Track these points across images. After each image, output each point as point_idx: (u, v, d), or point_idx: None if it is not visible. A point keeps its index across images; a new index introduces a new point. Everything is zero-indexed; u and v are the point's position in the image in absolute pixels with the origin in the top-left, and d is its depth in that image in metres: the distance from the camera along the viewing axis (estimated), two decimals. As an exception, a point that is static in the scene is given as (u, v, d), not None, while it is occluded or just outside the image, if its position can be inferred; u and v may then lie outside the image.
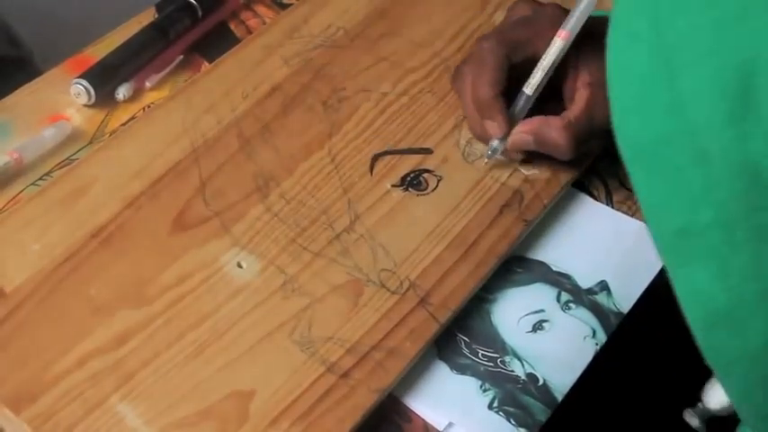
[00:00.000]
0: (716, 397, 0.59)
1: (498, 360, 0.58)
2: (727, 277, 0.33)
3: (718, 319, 0.35)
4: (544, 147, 0.63)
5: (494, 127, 0.63)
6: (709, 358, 0.36)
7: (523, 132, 0.63)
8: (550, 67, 0.62)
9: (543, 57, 0.62)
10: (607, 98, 0.63)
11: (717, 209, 0.32)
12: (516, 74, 0.63)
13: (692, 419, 0.60)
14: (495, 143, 0.64)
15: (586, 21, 0.62)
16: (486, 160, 0.64)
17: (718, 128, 0.31)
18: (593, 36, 0.62)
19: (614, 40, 0.35)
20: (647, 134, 0.34)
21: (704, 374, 0.61)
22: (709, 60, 0.31)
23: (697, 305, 0.35)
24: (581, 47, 0.62)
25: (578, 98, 0.63)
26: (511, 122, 0.63)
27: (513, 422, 0.55)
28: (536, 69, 0.63)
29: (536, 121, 0.63)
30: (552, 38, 0.62)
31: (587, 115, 0.62)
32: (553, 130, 0.62)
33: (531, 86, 0.63)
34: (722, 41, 0.30)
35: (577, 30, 0.62)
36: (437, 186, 0.63)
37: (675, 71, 0.32)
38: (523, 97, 0.63)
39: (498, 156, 0.64)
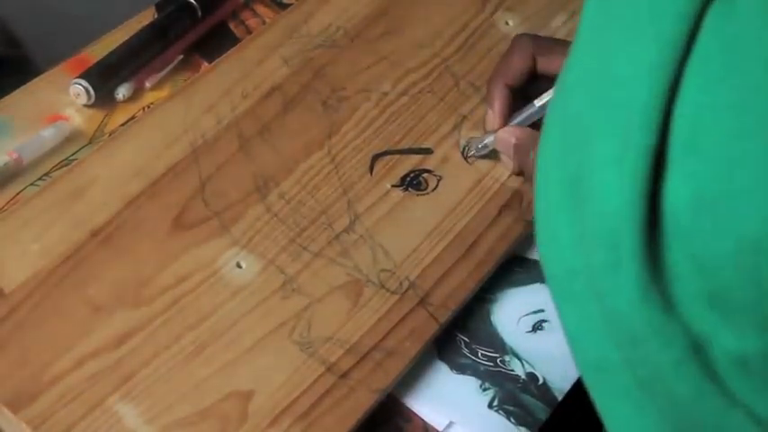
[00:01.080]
0: None
1: (498, 360, 0.58)
2: (643, 417, 0.32)
3: None
4: (520, 156, 0.62)
5: (489, 116, 0.63)
6: None
7: (510, 133, 0.62)
8: None
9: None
10: None
11: (618, 350, 0.31)
12: (544, 87, 0.63)
13: None
14: (486, 139, 0.63)
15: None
16: (472, 151, 0.64)
17: (601, 274, 0.30)
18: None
19: (538, 163, 0.34)
20: (559, 264, 0.33)
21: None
22: (593, 201, 0.30)
23: None
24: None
25: None
26: (509, 121, 0.63)
27: (513, 421, 0.55)
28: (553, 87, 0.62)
29: (527, 129, 0.62)
30: None
31: None
32: (534, 143, 0.61)
33: (540, 99, 0.62)
34: (599, 183, 0.30)
35: None
36: (437, 186, 0.63)
37: (576, 204, 0.31)
38: (531, 109, 0.62)
39: (485, 152, 0.64)
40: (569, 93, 0.32)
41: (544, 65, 0.63)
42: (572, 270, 0.32)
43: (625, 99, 0.29)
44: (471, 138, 0.66)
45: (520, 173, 0.64)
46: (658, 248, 0.28)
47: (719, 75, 0.27)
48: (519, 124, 0.63)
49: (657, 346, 0.29)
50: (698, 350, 0.28)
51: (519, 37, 0.64)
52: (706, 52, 0.27)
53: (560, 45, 0.64)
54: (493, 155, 0.65)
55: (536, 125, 0.62)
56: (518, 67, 0.63)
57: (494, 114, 0.63)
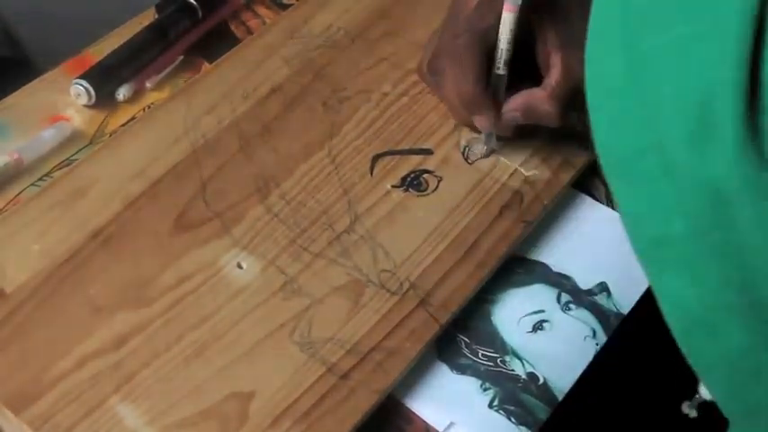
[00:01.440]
0: None
1: (498, 360, 0.58)
2: (700, 285, 0.34)
3: (694, 325, 0.35)
4: (533, 118, 0.63)
5: (483, 121, 0.63)
6: (690, 361, 0.37)
7: (511, 110, 0.63)
8: (510, 42, 0.61)
9: (499, 34, 0.61)
10: (581, 55, 0.63)
11: (686, 221, 0.33)
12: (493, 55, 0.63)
13: (690, 411, 0.61)
14: (491, 141, 0.64)
15: None
16: (484, 151, 0.65)
17: (681, 147, 0.32)
18: None
19: (591, 51, 0.35)
20: (622, 146, 0.34)
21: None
22: (674, 80, 0.31)
23: (674, 311, 0.36)
24: (540, 12, 0.62)
25: (553, 63, 0.62)
26: (497, 109, 0.63)
27: (513, 420, 0.55)
28: (497, 49, 0.62)
29: (521, 97, 0.62)
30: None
31: (566, 77, 0.62)
32: (539, 102, 0.62)
33: (499, 66, 0.62)
34: (685, 62, 0.31)
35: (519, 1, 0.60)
36: (437, 187, 0.63)
37: (646, 87, 0.32)
38: (498, 78, 0.63)
39: (495, 146, 0.65)
40: None
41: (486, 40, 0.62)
42: (638, 150, 0.33)
43: None
44: (472, 138, 0.66)
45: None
46: (756, 114, 0.30)
47: None
48: (499, 96, 0.63)
49: (747, 203, 0.30)
50: None
51: (458, 41, 0.62)
52: None
53: (475, 15, 0.63)
54: (490, 155, 0.65)
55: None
56: (481, 71, 0.62)
57: (488, 118, 0.63)
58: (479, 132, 0.65)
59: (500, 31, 0.61)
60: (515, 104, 0.63)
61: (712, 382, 0.39)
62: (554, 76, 0.62)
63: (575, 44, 0.62)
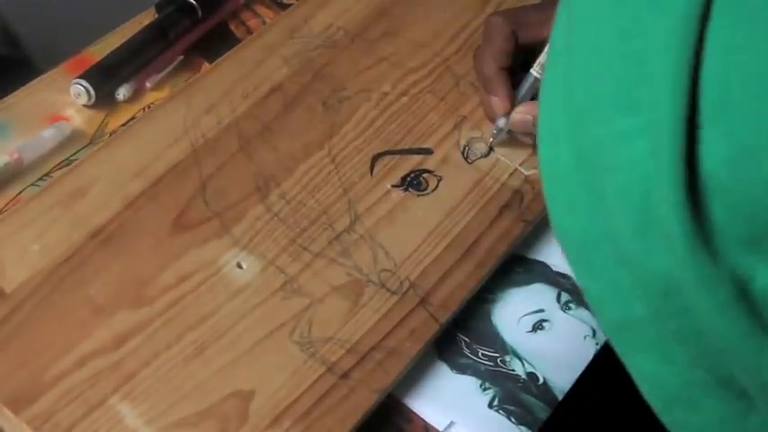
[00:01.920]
0: None
1: (498, 359, 0.58)
2: (670, 364, 0.33)
3: (673, 401, 0.35)
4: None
5: (496, 102, 0.63)
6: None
7: (525, 112, 0.63)
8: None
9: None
10: None
11: (645, 307, 0.32)
12: (527, 57, 0.63)
13: None
14: (500, 122, 0.64)
15: None
16: (491, 140, 0.65)
17: (630, 238, 0.31)
18: None
19: (542, 133, 0.35)
20: (577, 234, 0.34)
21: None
22: (616, 172, 0.30)
23: (651, 389, 0.36)
24: None
25: None
26: (515, 101, 0.63)
27: (513, 420, 0.55)
28: (543, 51, 0.62)
29: (536, 102, 0.63)
30: None
31: None
32: None
33: (536, 68, 0.63)
34: (625, 154, 0.30)
35: None
36: (437, 187, 0.63)
37: (592, 177, 0.32)
38: (530, 79, 0.63)
39: (503, 137, 0.64)
40: (574, 67, 0.33)
41: (525, 36, 0.63)
42: (591, 238, 0.33)
43: (648, 73, 0.29)
44: (472, 138, 0.66)
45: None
46: (698, 204, 0.29)
47: (743, 33, 0.28)
48: (523, 99, 0.63)
49: (701, 294, 0.30)
50: (741, 291, 0.29)
51: (492, 19, 0.64)
52: (725, 15, 0.28)
53: (532, 12, 0.64)
54: (490, 154, 0.65)
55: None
56: (505, 48, 0.63)
57: (502, 100, 0.63)
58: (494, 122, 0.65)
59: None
60: (530, 107, 0.63)
61: None
62: None
63: None
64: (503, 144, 0.65)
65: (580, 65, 0.32)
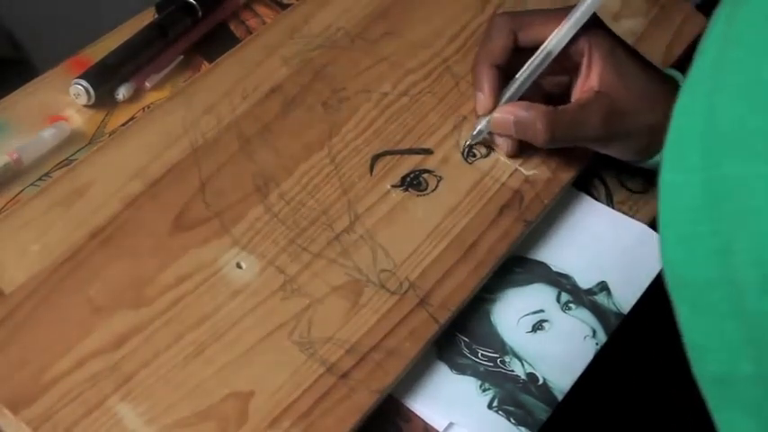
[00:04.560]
0: None
1: (498, 360, 0.58)
2: (766, 429, 0.31)
3: None
4: (523, 131, 0.62)
5: (480, 98, 0.63)
6: None
7: (506, 112, 0.62)
8: (544, 59, 0.62)
9: (543, 45, 0.62)
10: (602, 112, 0.62)
11: (755, 365, 0.30)
12: (525, 60, 0.63)
13: None
14: (481, 123, 0.64)
15: (605, 24, 0.61)
16: (467, 141, 0.65)
17: (755, 290, 0.28)
18: (611, 41, 0.62)
19: (668, 155, 0.31)
20: (691, 272, 0.31)
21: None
22: (751, 216, 0.28)
23: None
24: (597, 49, 0.61)
25: (579, 98, 0.62)
26: (495, 97, 0.63)
27: (513, 421, 0.55)
28: (533, 56, 0.62)
29: (521, 103, 0.62)
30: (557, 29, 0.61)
31: (576, 117, 0.61)
32: (534, 114, 0.61)
33: (522, 73, 0.62)
34: (765, 200, 0.27)
35: (580, 24, 0.61)
36: (437, 187, 0.63)
37: (722, 216, 0.29)
38: (515, 83, 0.63)
39: (482, 138, 0.64)
40: (726, 89, 0.29)
41: (525, 38, 0.63)
42: (707, 279, 0.30)
43: None
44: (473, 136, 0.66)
45: (514, 155, 0.64)
46: None
47: None
48: (508, 102, 0.63)
49: None
50: None
51: (496, 17, 0.64)
52: None
53: (536, 16, 0.64)
54: (490, 153, 0.65)
55: (524, 98, 0.62)
56: (501, 45, 0.62)
57: (485, 96, 0.63)
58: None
59: (546, 42, 0.61)
60: (511, 107, 0.62)
61: None
62: (568, 106, 0.62)
63: (607, 97, 0.61)
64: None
65: (733, 89, 0.29)
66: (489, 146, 0.66)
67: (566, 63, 0.62)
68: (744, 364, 0.30)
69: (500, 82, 0.63)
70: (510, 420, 0.55)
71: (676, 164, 0.31)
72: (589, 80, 0.62)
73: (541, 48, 0.61)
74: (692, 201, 0.30)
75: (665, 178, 0.31)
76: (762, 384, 0.30)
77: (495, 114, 0.62)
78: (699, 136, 0.30)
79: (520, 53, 0.63)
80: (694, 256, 0.31)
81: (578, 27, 0.61)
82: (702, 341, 0.32)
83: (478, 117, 0.64)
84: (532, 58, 0.62)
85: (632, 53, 0.63)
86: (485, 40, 0.63)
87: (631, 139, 0.62)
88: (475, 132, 0.64)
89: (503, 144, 0.64)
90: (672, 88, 0.62)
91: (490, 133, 0.64)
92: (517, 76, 0.62)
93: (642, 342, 0.70)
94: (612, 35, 0.62)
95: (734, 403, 0.32)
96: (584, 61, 0.62)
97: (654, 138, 0.61)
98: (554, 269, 0.63)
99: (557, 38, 0.61)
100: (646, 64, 0.63)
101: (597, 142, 0.62)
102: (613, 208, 0.67)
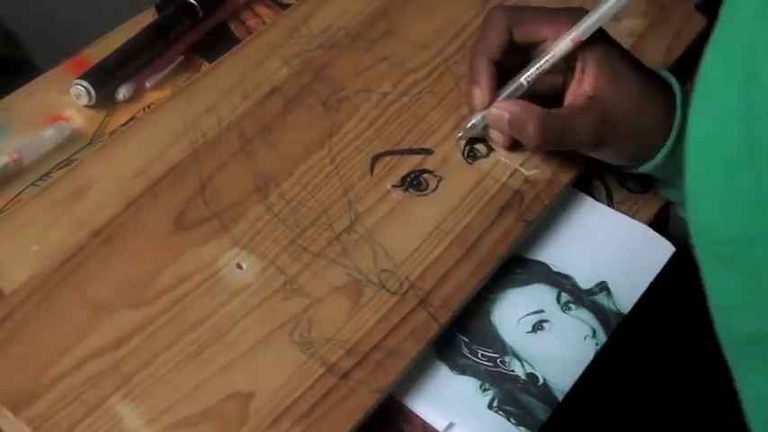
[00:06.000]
0: None
1: (498, 360, 0.58)
2: None
3: None
4: (516, 130, 0.62)
5: (476, 93, 0.63)
6: None
7: (502, 107, 0.62)
8: (550, 65, 0.62)
9: (548, 51, 0.61)
10: (595, 119, 0.62)
11: None
12: (519, 58, 0.63)
13: None
14: (476, 117, 0.63)
15: (601, 27, 0.61)
16: (460, 134, 0.65)
17: None
18: (606, 45, 0.61)
19: (698, 106, 0.30)
20: (727, 230, 0.30)
21: (703, 374, 0.60)
22: None
23: (763, 414, 0.32)
24: (592, 54, 0.61)
25: (572, 103, 0.62)
26: (491, 93, 0.63)
27: (513, 421, 0.55)
28: (536, 61, 0.62)
29: (518, 102, 0.62)
30: (562, 34, 0.61)
31: (568, 122, 0.61)
32: (528, 115, 0.61)
33: (525, 76, 0.62)
34: None
35: (588, 35, 0.61)
36: (437, 187, 0.63)
37: (765, 169, 0.27)
38: (515, 84, 0.62)
39: (475, 132, 0.64)
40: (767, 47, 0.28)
41: (521, 35, 0.62)
42: (745, 235, 0.29)
43: None
44: (473, 146, 0.66)
45: (509, 147, 0.65)
46: None
47: None
48: (507, 98, 0.63)
49: None
50: None
51: (492, 11, 0.64)
52: None
53: (533, 13, 0.63)
54: (490, 153, 0.65)
55: (522, 97, 0.62)
56: (497, 41, 0.62)
57: (482, 91, 0.62)
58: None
59: (552, 50, 0.61)
60: (507, 104, 0.62)
61: None
62: (561, 110, 0.62)
63: (601, 103, 0.61)
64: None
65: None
66: (489, 146, 0.66)
67: (560, 64, 0.62)
68: None
69: (497, 78, 0.63)
70: (510, 420, 0.55)
71: (711, 116, 0.30)
72: (583, 84, 0.62)
73: (551, 53, 0.61)
74: (730, 152, 0.29)
75: (695, 134, 0.30)
76: None
77: (493, 110, 0.62)
78: (738, 85, 0.28)
79: (514, 48, 0.63)
80: (733, 211, 0.29)
81: (591, 33, 0.60)
82: (734, 300, 0.31)
83: (475, 111, 0.64)
84: (540, 62, 0.61)
85: (627, 57, 0.62)
86: (481, 34, 0.63)
87: (623, 144, 0.62)
88: (469, 126, 0.64)
89: (497, 137, 0.65)
90: (666, 92, 0.62)
91: (484, 128, 0.64)
92: (521, 78, 0.62)
93: (642, 342, 0.70)
94: (608, 38, 0.62)
95: (762, 363, 0.31)
96: (579, 65, 0.62)
97: (646, 143, 0.61)
98: (554, 269, 0.63)
99: (559, 53, 0.61)
100: (640, 68, 0.62)
101: (588, 148, 0.62)
102: (613, 208, 0.67)
